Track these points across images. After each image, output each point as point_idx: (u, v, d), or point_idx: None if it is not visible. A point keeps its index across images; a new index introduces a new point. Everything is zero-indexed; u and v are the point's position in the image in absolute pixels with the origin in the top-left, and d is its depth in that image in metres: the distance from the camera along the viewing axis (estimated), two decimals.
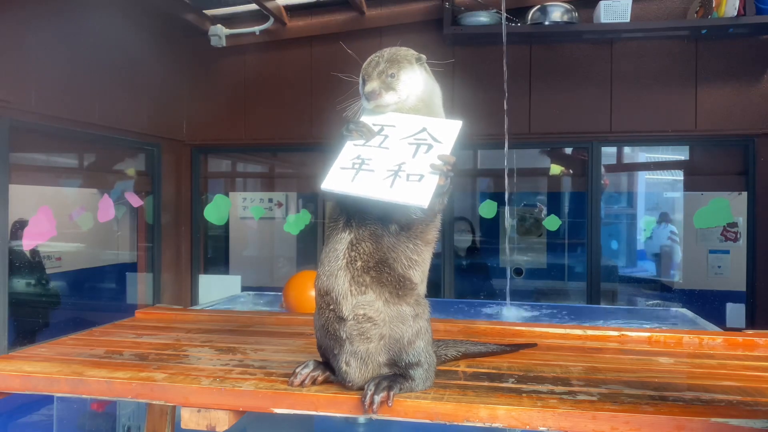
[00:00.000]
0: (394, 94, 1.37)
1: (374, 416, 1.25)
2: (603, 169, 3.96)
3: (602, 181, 3.96)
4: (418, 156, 1.32)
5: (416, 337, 1.33)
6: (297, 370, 1.38)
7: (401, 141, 1.35)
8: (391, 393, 1.26)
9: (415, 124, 1.37)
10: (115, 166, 4.10)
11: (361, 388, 1.31)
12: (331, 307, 1.32)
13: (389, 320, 1.31)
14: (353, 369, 1.32)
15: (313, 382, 1.36)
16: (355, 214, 1.34)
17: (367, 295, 1.30)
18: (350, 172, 1.30)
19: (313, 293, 2.89)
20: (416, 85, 1.40)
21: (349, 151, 1.35)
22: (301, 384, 1.35)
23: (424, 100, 1.42)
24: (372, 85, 1.36)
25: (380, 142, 1.35)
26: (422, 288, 1.39)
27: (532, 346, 1.77)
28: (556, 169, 4.09)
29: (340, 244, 1.33)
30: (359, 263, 1.31)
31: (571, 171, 4.13)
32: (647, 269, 4.32)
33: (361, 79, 1.41)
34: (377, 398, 1.24)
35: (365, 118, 1.39)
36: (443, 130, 1.36)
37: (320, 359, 1.42)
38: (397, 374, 1.32)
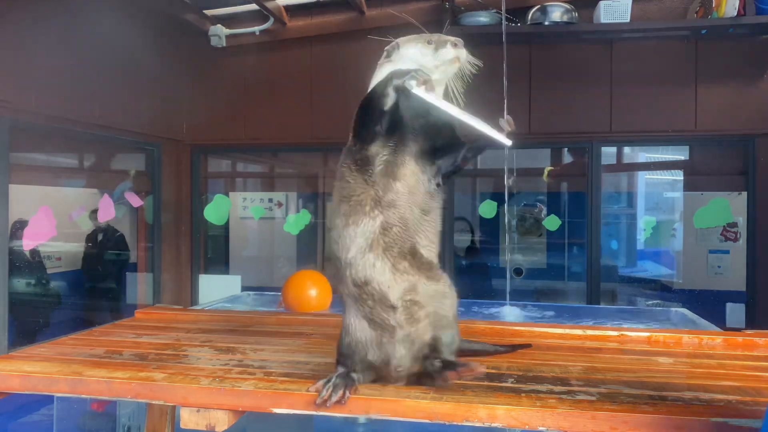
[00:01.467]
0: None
1: (370, 417, 1.24)
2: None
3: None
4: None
5: (452, 308, 1.36)
6: (324, 390, 1.26)
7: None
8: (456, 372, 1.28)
9: (464, 118, 1.34)
10: (115, 166, 4.10)
11: (409, 373, 1.32)
12: (375, 297, 1.29)
13: (430, 299, 1.32)
14: (403, 353, 1.31)
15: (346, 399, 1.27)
16: (385, 193, 1.29)
17: (408, 281, 1.30)
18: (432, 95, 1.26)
19: (312, 293, 2.94)
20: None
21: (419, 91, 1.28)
22: (337, 403, 1.25)
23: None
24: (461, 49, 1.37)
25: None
26: (444, 273, 1.40)
27: (527, 346, 1.77)
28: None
29: (369, 228, 1.28)
30: (395, 249, 1.29)
31: (555, 168, 4.10)
32: (647, 269, 4.32)
33: (425, 44, 1.38)
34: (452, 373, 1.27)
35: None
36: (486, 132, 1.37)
37: (342, 363, 1.36)
38: (443, 360, 1.32)
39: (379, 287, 1.28)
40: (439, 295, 1.35)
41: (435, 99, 1.27)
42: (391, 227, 1.29)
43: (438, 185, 1.36)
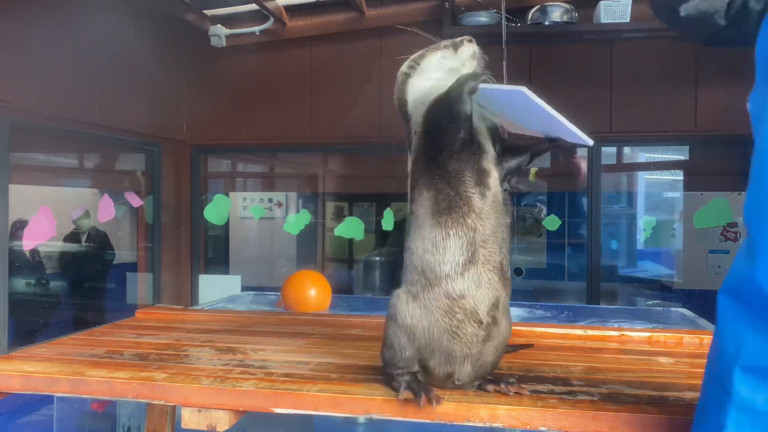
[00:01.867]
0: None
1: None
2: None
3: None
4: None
5: (508, 330, 1.34)
6: (422, 392, 1.24)
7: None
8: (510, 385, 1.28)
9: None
10: (115, 167, 4.10)
11: (465, 387, 1.31)
12: (467, 311, 1.25)
13: (504, 316, 1.30)
14: (469, 370, 1.28)
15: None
16: (482, 203, 1.26)
17: (495, 296, 1.26)
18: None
19: (312, 293, 2.94)
20: None
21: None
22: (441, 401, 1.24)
23: None
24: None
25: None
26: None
27: (529, 346, 1.78)
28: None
29: (471, 241, 1.25)
30: (490, 264, 1.26)
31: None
32: (647, 269, 4.32)
33: (441, 50, 1.35)
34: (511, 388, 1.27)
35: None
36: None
37: (394, 366, 1.32)
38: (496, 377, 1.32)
39: (473, 302, 1.25)
40: (508, 313, 1.33)
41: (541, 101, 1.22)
42: (488, 240, 1.26)
43: (506, 190, 1.32)
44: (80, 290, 4.40)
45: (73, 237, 4.24)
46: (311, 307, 2.92)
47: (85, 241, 4.25)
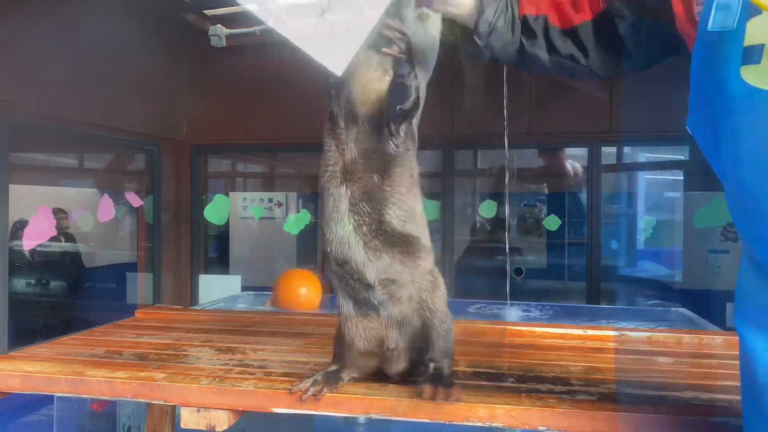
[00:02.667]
0: None
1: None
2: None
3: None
4: None
5: (442, 303, 1.32)
6: (304, 384, 1.29)
7: None
8: (452, 389, 1.24)
9: None
10: (115, 167, 4.11)
11: (403, 361, 1.31)
12: (355, 276, 1.27)
13: (410, 279, 1.29)
14: (393, 334, 1.31)
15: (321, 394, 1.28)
16: (351, 162, 1.25)
17: (383, 258, 1.26)
18: None
19: (302, 291, 2.95)
20: None
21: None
22: (313, 396, 1.27)
23: None
24: None
25: None
26: (431, 253, 1.33)
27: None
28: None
29: (341, 204, 1.25)
30: (365, 228, 1.25)
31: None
32: (647, 269, 4.32)
33: None
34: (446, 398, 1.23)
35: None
36: None
37: (339, 360, 1.37)
38: (435, 370, 1.30)
39: (356, 267, 1.26)
40: (424, 279, 1.30)
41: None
42: (358, 202, 1.25)
43: (394, 142, 1.23)
44: (80, 290, 4.39)
45: (72, 237, 4.23)
46: (302, 306, 2.94)
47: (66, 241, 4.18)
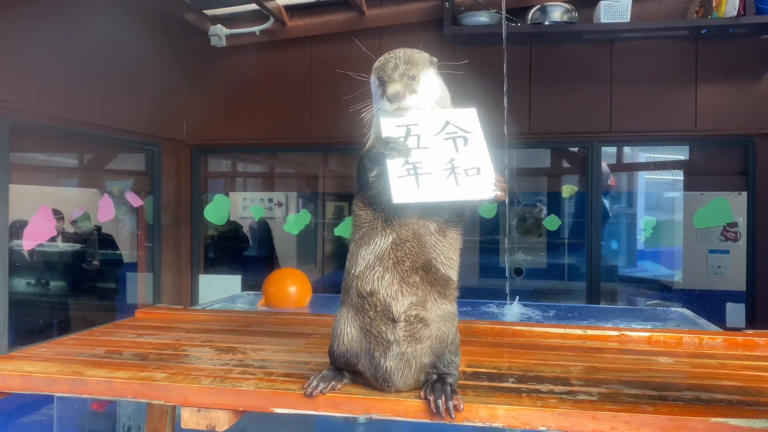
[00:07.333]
0: (416, 97, 1.36)
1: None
2: (608, 168, 3.96)
3: (609, 182, 3.96)
4: (461, 150, 1.32)
5: (455, 335, 1.35)
6: (314, 380, 1.33)
7: (435, 138, 1.34)
8: (457, 396, 1.25)
9: (438, 119, 1.37)
10: (115, 167, 4.10)
11: (399, 391, 1.31)
12: (378, 308, 1.30)
13: (437, 320, 1.32)
14: (396, 371, 1.30)
15: (332, 389, 1.33)
16: (395, 215, 1.32)
17: (418, 295, 1.30)
18: (410, 180, 1.28)
19: (292, 289, 2.95)
20: (433, 88, 1.40)
21: (395, 162, 1.32)
22: (321, 393, 1.31)
23: (439, 103, 1.42)
24: (395, 87, 1.33)
25: (416, 143, 1.33)
26: (456, 293, 1.39)
27: None
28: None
29: (382, 245, 1.31)
30: (407, 263, 1.30)
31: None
32: (648, 269, 4.31)
33: (377, 80, 1.39)
34: (450, 404, 1.22)
35: (386, 120, 1.36)
36: (464, 119, 1.37)
37: (334, 365, 1.39)
38: (441, 376, 1.31)
39: (384, 299, 1.29)
40: (449, 316, 1.34)
41: (423, 196, 1.28)
42: (404, 242, 1.31)
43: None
44: (80, 290, 4.38)
45: (72, 237, 4.22)
46: (292, 304, 2.95)
47: (86, 243, 4.20)
